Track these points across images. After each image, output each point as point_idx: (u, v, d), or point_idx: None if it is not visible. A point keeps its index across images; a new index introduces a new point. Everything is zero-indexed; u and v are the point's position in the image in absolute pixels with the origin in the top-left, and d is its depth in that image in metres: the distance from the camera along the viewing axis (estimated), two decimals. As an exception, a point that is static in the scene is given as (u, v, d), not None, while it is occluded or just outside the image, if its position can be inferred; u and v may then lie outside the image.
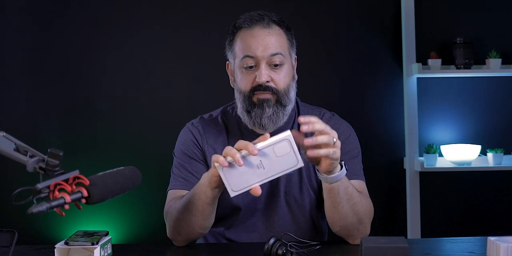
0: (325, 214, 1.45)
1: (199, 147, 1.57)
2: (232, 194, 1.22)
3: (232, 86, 1.57)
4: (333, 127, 1.54)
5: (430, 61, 2.86)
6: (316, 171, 1.32)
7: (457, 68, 2.84)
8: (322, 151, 1.22)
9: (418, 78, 2.90)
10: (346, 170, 1.32)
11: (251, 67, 1.48)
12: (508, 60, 2.91)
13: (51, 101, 2.95)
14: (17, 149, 1.00)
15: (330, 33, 2.98)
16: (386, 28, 2.98)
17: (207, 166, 1.55)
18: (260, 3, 2.93)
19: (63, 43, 2.95)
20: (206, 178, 1.33)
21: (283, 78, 1.50)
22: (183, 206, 1.40)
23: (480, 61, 2.88)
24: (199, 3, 2.97)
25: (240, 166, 1.18)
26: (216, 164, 1.21)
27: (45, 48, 2.95)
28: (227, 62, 1.59)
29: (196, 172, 1.53)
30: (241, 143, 1.20)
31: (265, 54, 1.47)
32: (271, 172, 1.20)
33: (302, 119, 1.22)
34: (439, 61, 2.84)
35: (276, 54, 1.48)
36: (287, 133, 1.19)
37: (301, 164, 1.20)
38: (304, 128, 1.21)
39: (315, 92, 2.95)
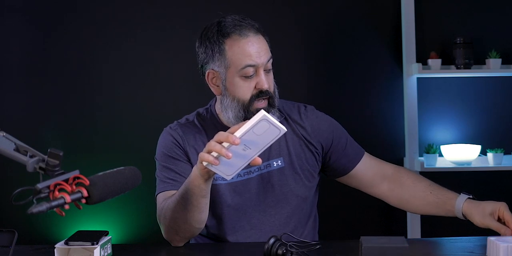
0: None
1: (181, 148, 1.57)
2: (228, 178, 1.25)
3: (217, 94, 1.56)
4: (310, 117, 1.61)
5: (430, 61, 2.86)
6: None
7: (457, 68, 2.84)
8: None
9: (418, 78, 2.90)
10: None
11: (251, 75, 1.48)
12: (508, 60, 2.91)
13: (51, 101, 2.95)
14: (17, 149, 1.00)
15: (330, 33, 2.98)
16: (386, 28, 2.97)
17: (192, 166, 1.54)
18: (259, 4, 2.93)
19: (63, 43, 2.94)
20: (196, 172, 1.33)
21: (272, 81, 1.54)
22: (177, 204, 1.40)
23: (480, 61, 2.87)
24: (200, 4, 2.96)
25: (229, 159, 1.19)
26: (205, 163, 1.23)
27: (45, 49, 2.94)
28: (207, 72, 1.55)
29: (182, 172, 1.53)
30: (221, 135, 1.21)
31: (264, 61, 1.48)
32: (258, 148, 1.22)
33: None
34: (439, 61, 2.84)
35: (270, 59, 1.51)
36: (261, 113, 1.19)
37: (283, 130, 1.21)
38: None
39: (315, 92, 2.95)
